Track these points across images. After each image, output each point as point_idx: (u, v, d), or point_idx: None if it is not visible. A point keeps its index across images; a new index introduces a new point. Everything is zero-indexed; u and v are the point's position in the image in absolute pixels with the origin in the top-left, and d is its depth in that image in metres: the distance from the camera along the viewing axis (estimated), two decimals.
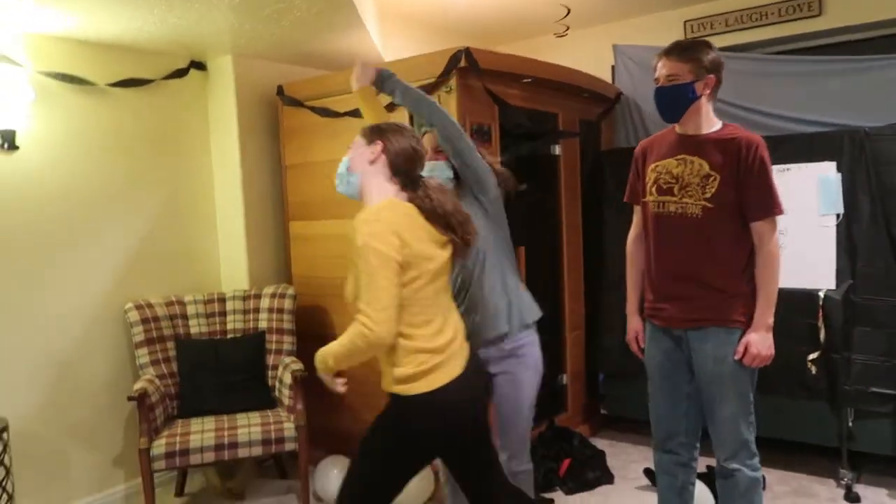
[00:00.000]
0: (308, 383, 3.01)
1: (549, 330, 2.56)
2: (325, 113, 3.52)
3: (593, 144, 4.11)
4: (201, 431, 3.00)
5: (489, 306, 2.29)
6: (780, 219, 2.21)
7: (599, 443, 3.77)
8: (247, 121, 3.73)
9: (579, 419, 3.94)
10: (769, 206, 2.18)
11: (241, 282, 3.77)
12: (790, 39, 4.23)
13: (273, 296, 3.55)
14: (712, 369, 2.24)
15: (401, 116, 2.96)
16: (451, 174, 2.34)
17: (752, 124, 3.32)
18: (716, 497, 2.55)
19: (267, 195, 3.84)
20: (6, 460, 2.71)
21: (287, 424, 3.09)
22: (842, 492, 3.16)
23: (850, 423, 3.17)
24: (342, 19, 3.19)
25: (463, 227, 1.99)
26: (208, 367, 3.32)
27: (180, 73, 3.63)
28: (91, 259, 3.29)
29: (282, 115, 3.79)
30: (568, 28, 4.52)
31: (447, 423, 1.92)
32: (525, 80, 3.43)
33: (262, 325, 3.52)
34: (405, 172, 1.98)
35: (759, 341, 2.18)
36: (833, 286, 3.19)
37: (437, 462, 2.51)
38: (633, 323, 2.55)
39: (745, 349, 2.19)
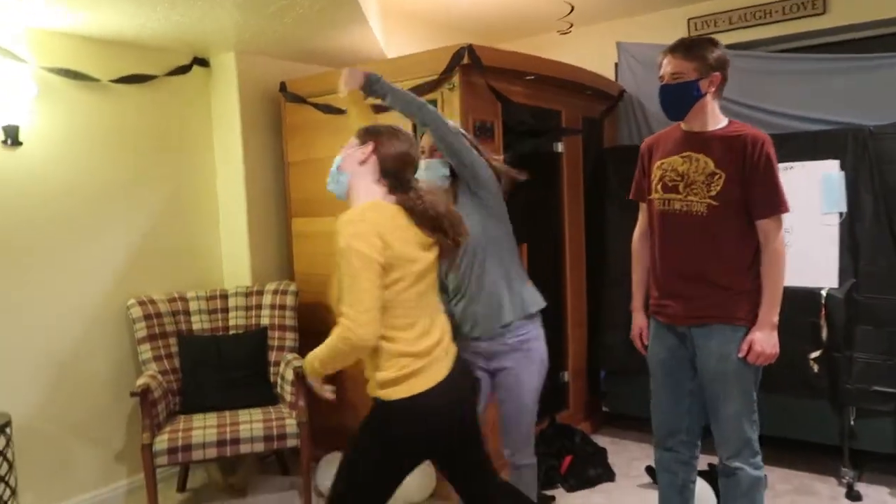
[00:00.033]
0: None
1: (551, 326, 2.56)
2: (328, 109, 3.52)
3: (596, 142, 4.10)
4: (203, 427, 3.01)
5: (492, 298, 2.30)
6: (783, 217, 2.21)
7: (601, 440, 3.78)
8: (249, 117, 3.73)
9: (581, 416, 3.94)
10: (775, 203, 2.18)
11: (243, 278, 3.77)
12: (794, 37, 4.22)
13: (275, 292, 3.55)
14: (716, 367, 2.24)
15: (396, 119, 2.95)
16: (446, 172, 2.33)
17: (755, 122, 3.27)
18: (717, 495, 2.55)
19: (269, 192, 3.84)
20: (9, 455, 2.71)
21: (289, 421, 3.09)
22: (843, 490, 3.16)
23: (852, 422, 3.17)
24: (345, 16, 3.19)
25: (455, 229, 1.97)
26: (210, 363, 3.32)
27: (183, 70, 3.63)
28: (94, 255, 3.29)
29: (284, 111, 3.79)
30: (571, 25, 4.51)
31: (429, 428, 1.90)
32: (528, 78, 3.43)
33: (265, 321, 3.52)
34: (394, 175, 1.96)
35: (764, 339, 2.18)
36: (836, 285, 3.19)
37: None
38: (638, 319, 2.55)
39: (750, 347, 2.19)
